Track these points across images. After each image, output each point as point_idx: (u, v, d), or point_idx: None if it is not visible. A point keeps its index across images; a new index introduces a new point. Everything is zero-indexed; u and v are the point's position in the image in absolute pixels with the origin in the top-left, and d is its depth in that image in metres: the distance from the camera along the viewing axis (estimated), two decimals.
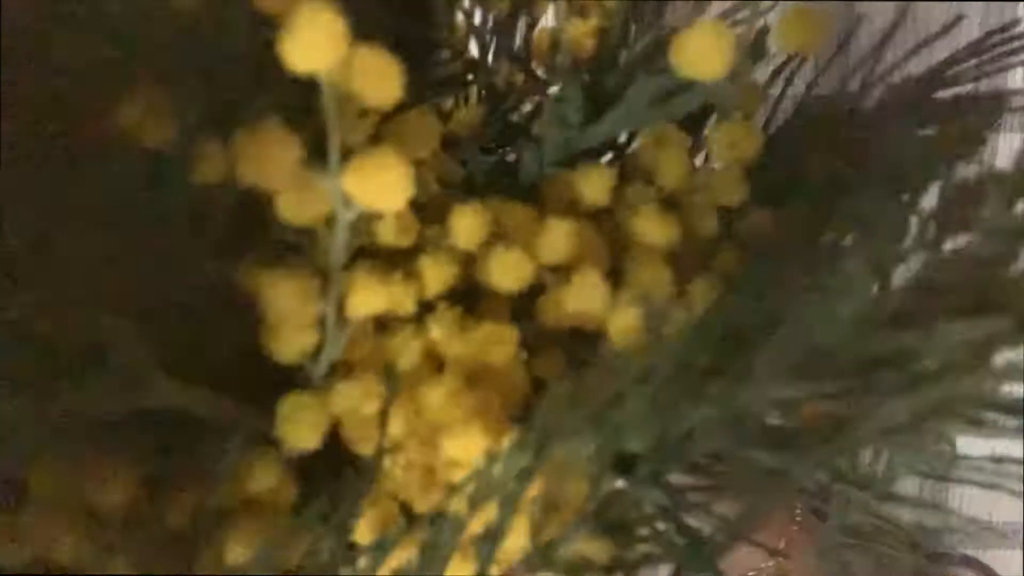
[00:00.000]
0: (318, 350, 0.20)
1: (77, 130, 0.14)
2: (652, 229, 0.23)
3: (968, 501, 1.02)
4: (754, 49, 0.21)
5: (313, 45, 0.14)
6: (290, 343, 0.19)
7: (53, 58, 0.13)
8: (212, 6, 0.15)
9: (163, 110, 0.15)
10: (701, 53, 0.19)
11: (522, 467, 0.16)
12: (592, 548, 0.16)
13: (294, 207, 0.17)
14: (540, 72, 0.25)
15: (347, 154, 0.17)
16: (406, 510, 0.23)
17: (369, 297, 0.19)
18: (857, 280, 0.13)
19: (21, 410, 0.16)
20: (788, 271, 0.15)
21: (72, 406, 0.17)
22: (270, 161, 0.16)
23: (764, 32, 0.22)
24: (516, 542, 0.16)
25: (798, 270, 0.14)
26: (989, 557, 0.97)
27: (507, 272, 0.22)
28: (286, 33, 0.14)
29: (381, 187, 0.16)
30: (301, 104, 0.16)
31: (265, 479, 0.21)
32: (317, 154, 0.17)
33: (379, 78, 0.16)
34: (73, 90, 0.14)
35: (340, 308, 0.19)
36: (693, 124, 0.25)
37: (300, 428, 0.20)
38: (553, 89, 0.23)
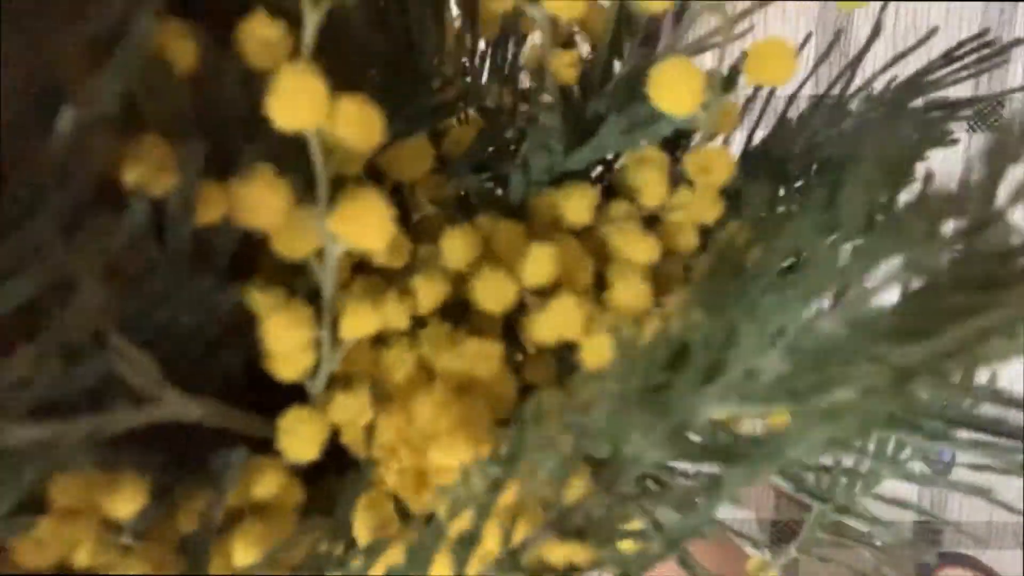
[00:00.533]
0: (315, 368, 0.21)
1: (91, 182, 0.16)
2: (632, 246, 0.24)
3: (968, 502, 1.02)
4: (727, 80, 0.22)
5: (296, 106, 0.15)
6: (289, 365, 0.20)
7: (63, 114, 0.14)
8: (209, 65, 0.16)
9: (167, 162, 0.16)
10: (672, 89, 0.20)
11: (494, 478, 0.18)
12: (556, 552, 0.17)
13: (287, 243, 0.18)
14: (528, 92, 0.26)
15: (339, 187, 0.19)
16: (403, 511, 0.24)
17: (361, 321, 0.20)
18: (789, 307, 0.14)
19: (47, 432, 0.18)
20: (737, 292, 0.16)
21: (91, 425, 0.19)
22: (263, 205, 0.17)
23: (738, 65, 0.23)
24: (489, 546, 0.18)
25: (745, 292, 0.16)
26: (989, 557, 0.98)
27: (492, 295, 0.23)
28: (272, 95, 0.15)
29: (365, 228, 0.17)
30: (292, 149, 0.18)
31: (269, 485, 0.23)
32: (308, 192, 0.18)
33: (362, 126, 0.17)
34: (86, 145, 0.16)
35: (334, 330, 0.21)
36: (675, 145, 0.26)
37: (299, 441, 0.21)
38: (540, 114, 0.24)
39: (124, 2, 0.13)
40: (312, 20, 0.16)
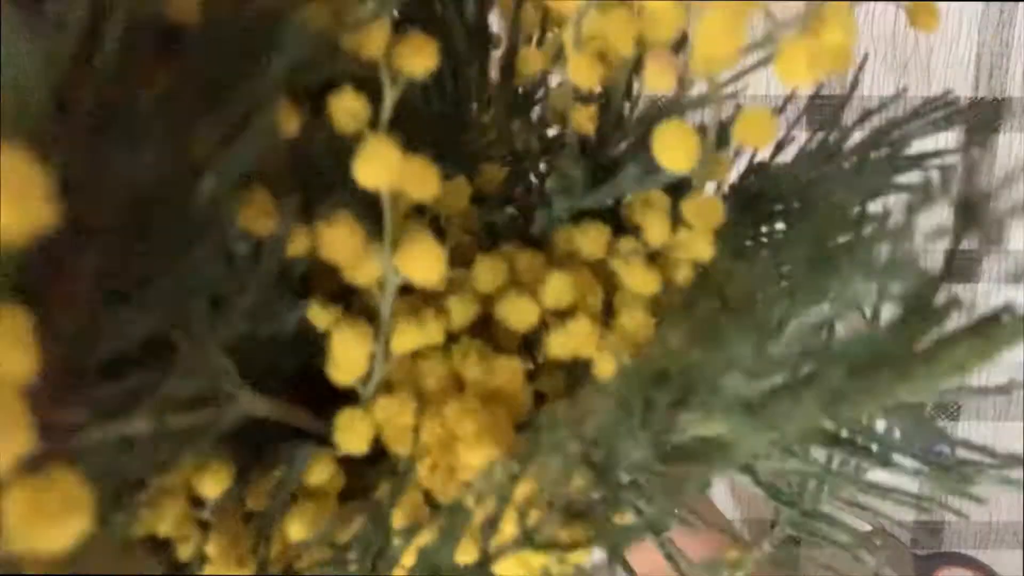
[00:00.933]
0: (367, 376, 0.25)
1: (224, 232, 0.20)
2: (637, 280, 0.28)
3: (968, 502, 1.05)
4: (720, 137, 0.26)
5: (377, 169, 0.20)
6: (347, 372, 0.25)
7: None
8: (306, 130, 0.21)
9: (268, 209, 0.20)
10: (672, 150, 0.24)
11: (513, 473, 0.22)
12: (563, 532, 0.22)
13: (355, 273, 0.22)
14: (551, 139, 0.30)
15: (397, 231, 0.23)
16: (430, 501, 0.29)
17: (409, 338, 0.25)
18: (745, 337, 0.19)
19: (148, 425, 0.22)
20: (705, 326, 0.20)
21: (185, 422, 0.23)
22: (342, 243, 0.21)
23: (727, 124, 0.27)
24: (508, 528, 0.22)
25: (711, 326, 0.20)
26: (989, 557, 0.99)
27: (518, 315, 0.27)
28: (358, 159, 0.20)
29: (423, 265, 0.22)
30: (364, 198, 0.22)
31: (323, 473, 0.27)
32: (374, 231, 0.22)
33: (423, 182, 0.21)
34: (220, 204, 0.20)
35: (386, 345, 0.25)
36: (677, 188, 0.31)
37: (353, 436, 0.25)
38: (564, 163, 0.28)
39: (252, 96, 0.18)
40: (391, 96, 0.20)
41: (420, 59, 0.20)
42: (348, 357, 0.24)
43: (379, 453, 0.30)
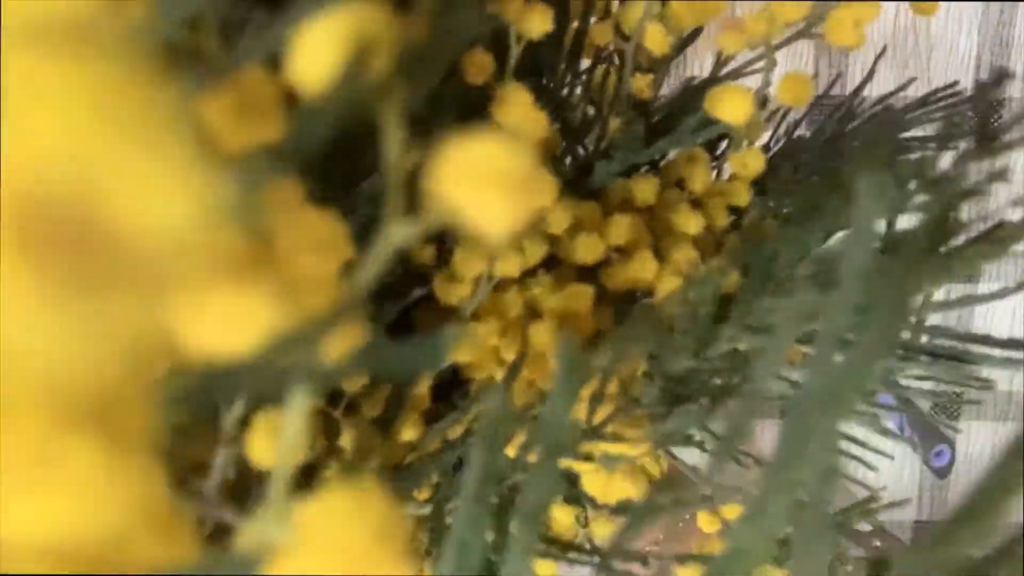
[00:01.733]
0: (469, 297, 0.30)
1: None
2: (684, 221, 0.34)
3: None
4: (760, 98, 0.32)
5: (514, 109, 0.25)
6: (456, 291, 0.29)
7: None
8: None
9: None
10: (731, 106, 0.30)
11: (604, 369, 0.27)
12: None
13: None
14: (605, 108, 0.35)
15: None
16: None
17: (510, 264, 0.30)
18: (800, 268, 0.24)
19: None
20: (766, 253, 0.26)
21: None
22: None
23: (766, 86, 0.32)
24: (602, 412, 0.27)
25: (771, 252, 0.25)
26: None
27: (587, 250, 0.32)
28: (498, 100, 0.24)
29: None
30: None
31: (421, 386, 0.31)
32: None
33: (539, 124, 0.26)
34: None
35: (491, 270, 0.30)
36: (713, 146, 0.36)
37: (459, 348, 0.30)
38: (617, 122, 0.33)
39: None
40: (515, 51, 0.25)
41: (541, 23, 0.25)
42: (465, 276, 0.28)
43: (445, 388, 0.35)
